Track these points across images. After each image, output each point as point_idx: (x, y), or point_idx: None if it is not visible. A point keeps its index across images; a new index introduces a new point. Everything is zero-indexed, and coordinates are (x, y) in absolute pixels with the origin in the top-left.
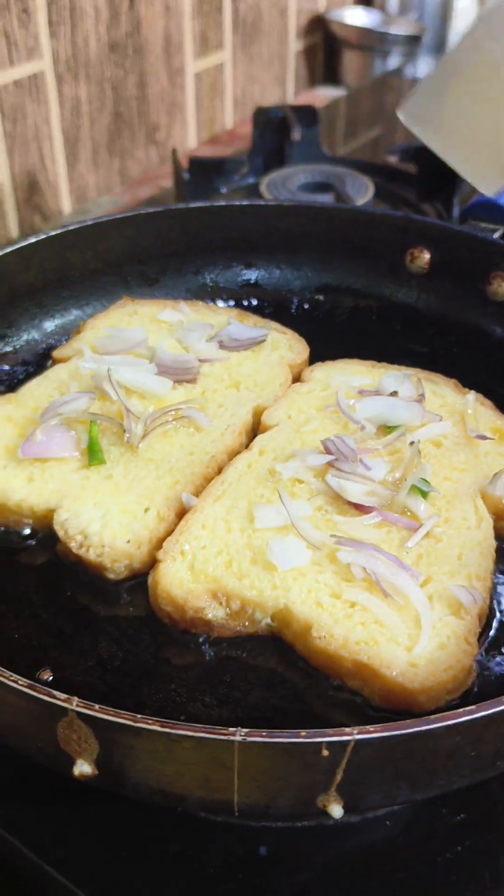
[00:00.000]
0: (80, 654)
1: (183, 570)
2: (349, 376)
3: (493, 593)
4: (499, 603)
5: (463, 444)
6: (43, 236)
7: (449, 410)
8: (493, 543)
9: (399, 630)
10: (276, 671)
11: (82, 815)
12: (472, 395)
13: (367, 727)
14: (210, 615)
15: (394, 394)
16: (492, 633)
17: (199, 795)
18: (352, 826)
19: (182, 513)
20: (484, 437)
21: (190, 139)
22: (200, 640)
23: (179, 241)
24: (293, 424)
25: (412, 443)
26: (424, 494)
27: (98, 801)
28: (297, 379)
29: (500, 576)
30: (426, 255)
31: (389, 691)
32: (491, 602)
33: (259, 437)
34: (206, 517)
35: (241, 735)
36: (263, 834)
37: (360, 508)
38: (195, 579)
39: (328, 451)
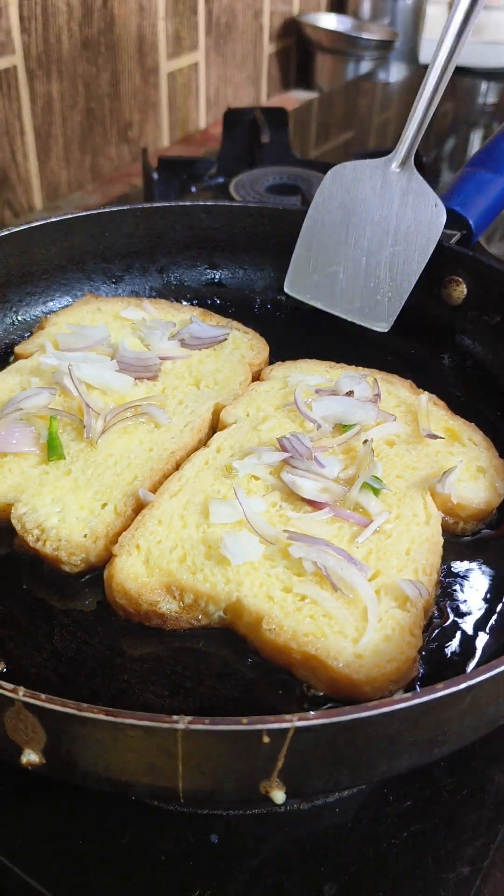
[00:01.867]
0: (34, 646)
1: (138, 564)
2: (307, 375)
3: (438, 587)
4: (442, 596)
5: (415, 444)
6: (6, 232)
7: (403, 410)
8: (440, 539)
9: (347, 623)
10: (227, 662)
11: (33, 807)
12: (425, 396)
13: (307, 714)
14: (164, 608)
15: (350, 393)
16: (435, 625)
17: (146, 782)
18: (302, 813)
19: (139, 508)
20: (435, 437)
21: (163, 138)
22: (154, 632)
23: (144, 239)
24: (251, 422)
25: (366, 441)
26: (376, 491)
27: (49, 792)
28: (256, 377)
29: (445, 570)
30: None
31: (336, 682)
32: (435, 595)
33: (217, 435)
34: (162, 513)
35: (184, 723)
36: (214, 822)
37: (314, 504)
38: (150, 573)
39: (284, 449)
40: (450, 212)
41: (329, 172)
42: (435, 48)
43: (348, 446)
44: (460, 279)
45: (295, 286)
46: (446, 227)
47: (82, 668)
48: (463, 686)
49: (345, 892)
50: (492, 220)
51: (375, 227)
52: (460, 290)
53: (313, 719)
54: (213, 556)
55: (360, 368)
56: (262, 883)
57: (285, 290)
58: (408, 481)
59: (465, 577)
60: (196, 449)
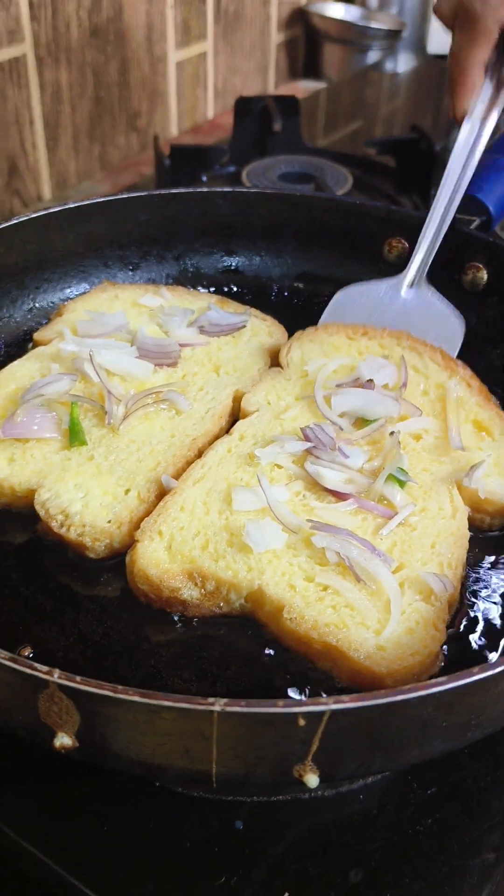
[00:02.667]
0: (60, 631)
1: (160, 550)
2: (327, 358)
3: (464, 582)
4: (468, 591)
5: (443, 437)
6: (25, 218)
7: (432, 398)
8: (466, 534)
9: (369, 614)
10: (251, 650)
11: (59, 793)
12: (454, 382)
13: (343, 697)
14: (185, 595)
15: (370, 382)
16: (459, 619)
17: (179, 766)
18: (326, 800)
19: (162, 494)
20: (462, 449)
21: (171, 128)
22: (178, 618)
23: (161, 226)
24: (273, 411)
25: (392, 433)
26: (401, 484)
27: (75, 779)
28: (275, 362)
29: (471, 565)
30: (404, 246)
31: (357, 673)
32: (462, 590)
33: (239, 423)
34: (185, 499)
35: (220, 705)
36: (239, 808)
37: (338, 495)
38: (172, 559)
39: (307, 439)
40: (469, 197)
41: (336, 295)
42: (448, 166)
43: (373, 439)
44: (480, 265)
45: None
46: (466, 212)
47: (109, 653)
48: (498, 670)
49: (370, 878)
50: None
51: None
52: (481, 277)
53: (349, 702)
54: (236, 543)
55: (386, 333)
56: (287, 869)
57: None
58: (434, 475)
59: (491, 572)
60: (218, 436)
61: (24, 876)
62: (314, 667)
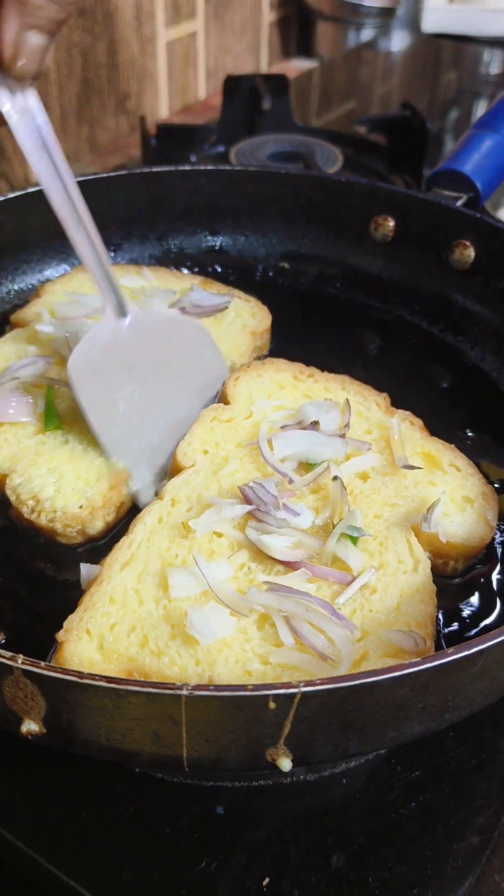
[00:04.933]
0: (35, 617)
1: (91, 650)
2: (271, 398)
3: (437, 637)
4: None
5: (392, 474)
6: (1, 198)
7: (376, 436)
8: (432, 587)
9: None
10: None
11: (35, 779)
12: (396, 419)
13: (314, 679)
14: None
15: (315, 424)
16: None
17: (150, 751)
18: (308, 784)
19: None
20: (412, 467)
21: (161, 108)
22: None
23: (143, 206)
24: (210, 465)
25: (336, 478)
26: (355, 541)
27: (51, 764)
28: (260, 348)
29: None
30: (390, 223)
31: None
32: (438, 644)
33: (171, 483)
34: (113, 589)
35: (188, 689)
36: (220, 793)
37: (287, 565)
38: (107, 660)
39: (247, 501)
40: (456, 174)
41: (71, 373)
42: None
43: (318, 485)
44: (468, 243)
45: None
46: (452, 189)
47: None
48: (475, 650)
49: (353, 861)
50: (499, 182)
51: (150, 381)
52: (468, 255)
53: (320, 684)
54: (179, 634)
55: (330, 376)
56: (269, 854)
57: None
58: (388, 521)
59: (461, 621)
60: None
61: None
62: None
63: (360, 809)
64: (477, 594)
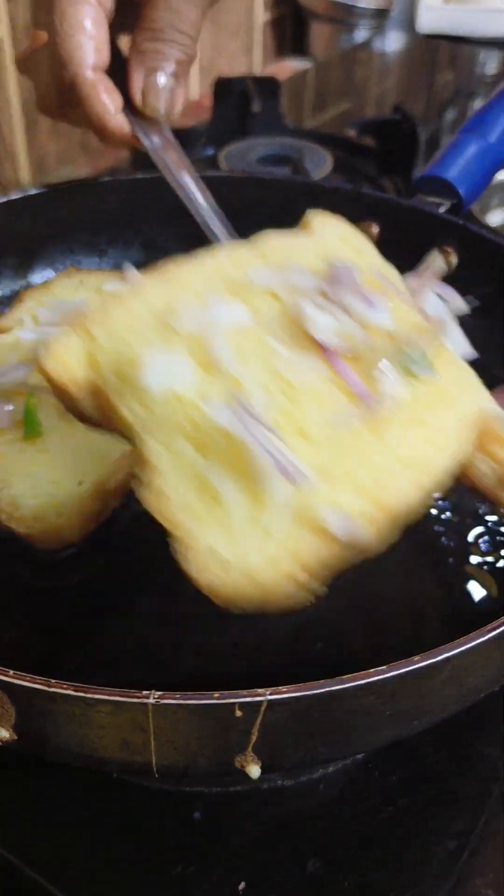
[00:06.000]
0: (12, 623)
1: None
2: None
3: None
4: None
5: None
6: None
7: None
8: (443, 478)
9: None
10: (206, 640)
11: (9, 785)
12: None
13: (280, 688)
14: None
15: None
16: None
17: (119, 758)
18: (286, 789)
19: (118, 486)
20: None
21: None
22: (136, 610)
23: (130, 211)
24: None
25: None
26: (411, 373)
27: (22, 769)
28: None
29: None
30: (374, 229)
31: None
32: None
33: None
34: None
35: (154, 697)
36: (196, 799)
37: (319, 347)
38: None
39: (331, 275)
40: (440, 180)
41: None
42: None
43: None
44: (450, 249)
45: None
46: (434, 195)
47: (63, 646)
48: (440, 658)
49: (329, 867)
50: (483, 188)
51: None
52: (450, 261)
53: (286, 693)
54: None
55: None
56: (245, 860)
57: None
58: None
59: None
60: None
61: None
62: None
63: (338, 815)
64: None
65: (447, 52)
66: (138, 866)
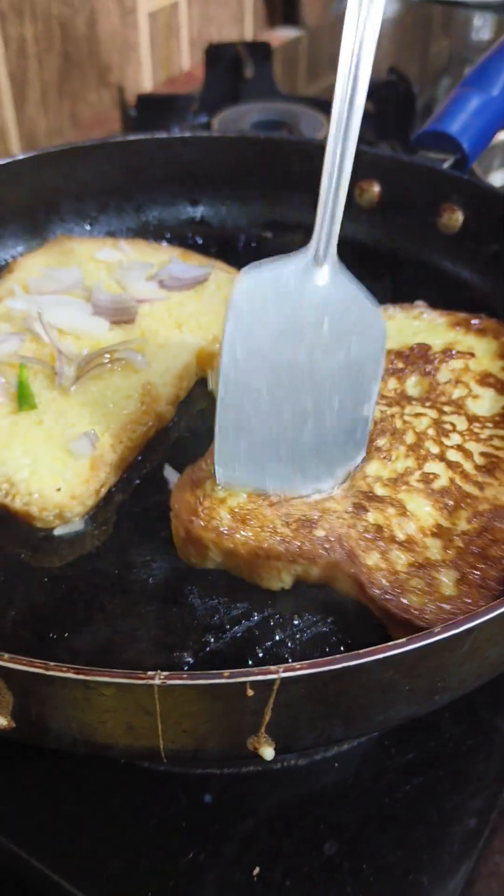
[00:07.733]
0: (9, 603)
1: None
2: None
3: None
4: None
5: None
6: None
7: None
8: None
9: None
10: (214, 616)
11: (16, 772)
12: None
13: (294, 664)
14: None
15: None
16: None
17: (125, 744)
18: (300, 769)
19: (119, 459)
20: None
21: (145, 81)
22: (136, 588)
23: (120, 176)
24: None
25: None
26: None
27: (32, 755)
28: None
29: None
30: (375, 188)
31: None
32: None
33: None
34: None
35: (160, 678)
36: (209, 781)
37: None
38: None
39: None
40: (442, 135)
41: (234, 295)
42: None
43: None
44: (455, 206)
45: (226, 476)
46: (439, 150)
47: (61, 627)
48: (462, 629)
49: (346, 850)
50: (487, 142)
51: (307, 371)
52: (455, 218)
53: (300, 669)
54: None
55: None
56: (259, 844)
57: (218, 483)
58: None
59: None
60: (178, 397)
61: None
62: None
63: (353, 795)
64: None
65: (441, 17)
66: (150, 853)
